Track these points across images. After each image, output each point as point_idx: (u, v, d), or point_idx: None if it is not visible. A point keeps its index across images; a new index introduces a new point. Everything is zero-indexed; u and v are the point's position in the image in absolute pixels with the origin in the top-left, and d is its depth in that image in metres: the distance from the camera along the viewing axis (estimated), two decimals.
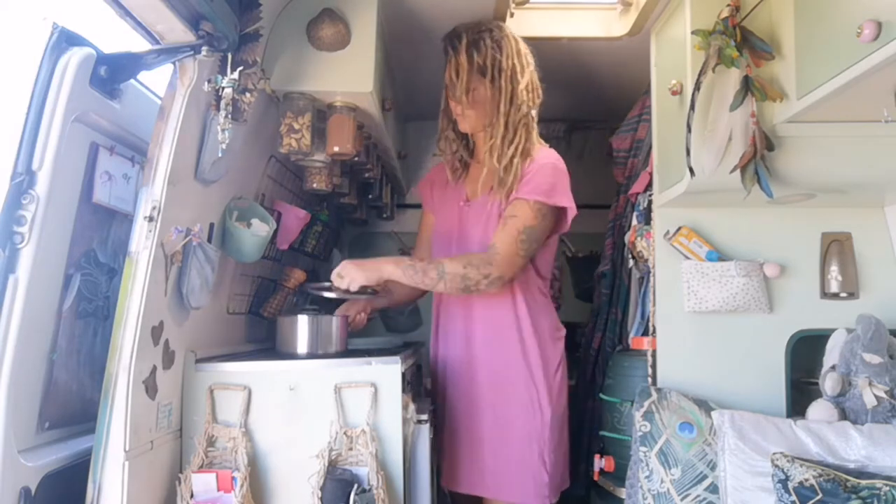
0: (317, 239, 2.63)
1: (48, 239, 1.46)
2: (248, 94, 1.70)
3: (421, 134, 3.38)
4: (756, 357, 2.08)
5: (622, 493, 2.10)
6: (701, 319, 2.09)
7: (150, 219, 1.54)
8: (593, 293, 2.88)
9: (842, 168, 1.81)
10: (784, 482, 1.65)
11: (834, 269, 2.10)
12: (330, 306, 2.10)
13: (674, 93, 1.91)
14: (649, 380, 2.12)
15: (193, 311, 1.79)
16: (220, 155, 1.65)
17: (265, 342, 2.40)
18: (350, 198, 2.67)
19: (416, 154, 3.46)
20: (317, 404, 1.76)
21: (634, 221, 2.29)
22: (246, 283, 2.26)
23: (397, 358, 1.81)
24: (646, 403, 1.97)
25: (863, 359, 1.82)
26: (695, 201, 2.04)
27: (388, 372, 1.80)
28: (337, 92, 2.03)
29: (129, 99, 1.67)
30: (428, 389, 2.28)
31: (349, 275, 1.92)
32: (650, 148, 2.24)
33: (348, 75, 2.00)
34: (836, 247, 2.12)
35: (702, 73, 1.73)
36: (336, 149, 2.07)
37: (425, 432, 1.90)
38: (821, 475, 1.63)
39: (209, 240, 1.82)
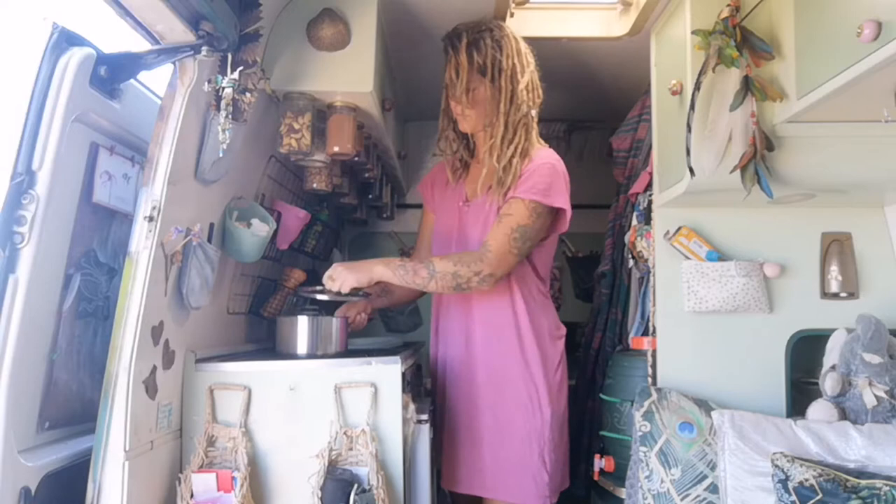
0: (317, 239, 2.63)
1: (48, 239, 1.46)
2: (248, 94, 1.70)
3: (421, 134, 3.39)
4: (756, 357, 2.08)
5: (622, 493, 2.10)
6: (701, 319, 2.09)
7: (150, 219, 1.54)
8: (593, 293, 2.88)
9: (842, 168, 1.81)
10: (784, 482, 1.65)
11: (834, 269, 2.11)
12: (330, 307, 2.10)
13: (674, 93, 1.91)
14: (649, 380, 2.12)
15: (193, 311, 1.79)
16: (220, 155, 1.65)
17: (265, 342, 2.40)
18: (350, 198, 2.67)
19: (416, 154, 3.46)
20: (317, 404, 1.76)
21: (634, 221, 2.29)
22: (246, 283, 2.26)
23: (397, 358, 1.81)
24: (646, 403, 1.97)
25: (863, 359, 1.82)
26: (695, 201, 2.04)
27: (388, 372, 1.80)
28: (337, 92, 2.03)
29: (129, 99, 1.67)
30: (428, 389, 2.28)
31: (340, 277, 1.93)
32: (650, 148, 2.24)
33: (348, 75, 2.00)
34: (836, 247, 2.12)
35: (702, 73, 1.73)
36: (336, 149, 2.07)
37: (425, 432, 1.90)
38: (821, 475, 1.63)
39: (209, 240, 1.81)
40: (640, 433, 1.95)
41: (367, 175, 2.64)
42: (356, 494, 1.64)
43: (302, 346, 1.91)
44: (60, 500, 1.49)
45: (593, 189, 3.05)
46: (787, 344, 2.08)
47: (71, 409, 1.60)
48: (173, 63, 1.57)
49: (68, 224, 1.55)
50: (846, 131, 1.69)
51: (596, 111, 3.18)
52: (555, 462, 2.04)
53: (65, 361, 1.57)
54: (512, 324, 2.06)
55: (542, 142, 2.13)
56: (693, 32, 1.78)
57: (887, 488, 1.59)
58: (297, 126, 1.97)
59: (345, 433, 1.74)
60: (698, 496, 1.85)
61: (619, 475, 2.15)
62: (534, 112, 2.08)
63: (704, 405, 1.95)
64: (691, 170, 1.78)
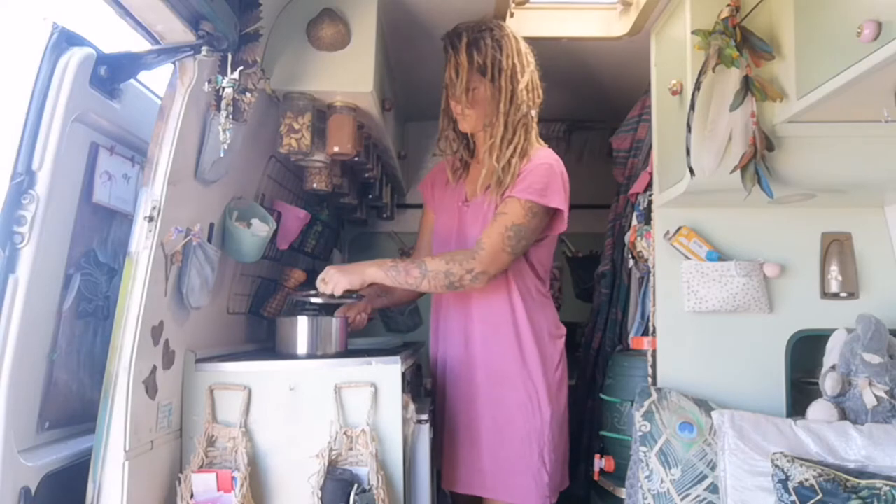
0: (317, 239, 2.63)
1: (48, 239, 1.46)
2: (248, 94, 1.70)
3: (421, 134, 3.39)
4: (756, 357, 2.08)
5: (622, 493, 2.10)
6: (701, 319, 2.09)
7: (150, 219, 1.54)
8: (593, 293, 2.88)
9: (842, 168, 1.81)
10: (784, 482, 1.65)
11: (834, 269, 2.10)
12: (329, 307, 2.11)
13: (674, 93, 1.91)
14: (649, 380, 2.12)
15: (193, 311, 1.79)
16: (221, 155, 1.65)
17: (265, 342, 2.40)
18: (350, 198, 2.67)
19: (416, 154, 3.46)
20: (317, 404, 1.76)
21: (634, 221, 2.29)
22: (246, 283, 2.26)
23: (397, 358, 1.81)
24: (646, 403, 1.97)
25: (863, 359, 1.82)
26: (695, 201, 2.04)
27: (388, 372, 1.80)
28: (337, 92, 2.03)
29: (129, 99, 1.67)
30: (428, 389, 2.28)
31: (332, 280, 1.94)
32: (650, 148, 2.24)
33: (348, 75, 2.00)
34: (836, 247, 2.12)
35: (702, 73, 1.73)
36: (336, 149, 2.07)
37: (425, 432, 1.90)
38: (821, 475, 1.63)
39: (209, 240, 1.82)
40: (640, 433, 1.95)
41: (367, 175, 2.64)
42: (356, 494, 1.64)
43: (302, 346, 1.91)
44: (60, 500, 1.49)
45: (593, 189, 3.05)
46: (787, 344, 2.08)
47: (71, 409, 1.60)
48: (173, 63, 1.57)
49: (68, 224, 1.55)
50: (846, 131, 1.69)
51: (596, 111, 3.18)
52: (555, 462, 2.04)
53: (65, 361, 1.57)
54: (510, 323, 2.06)
55: (541, 142, 2.13)
56: (693, 32, 1.78)
57: (887, 488, 1.59)
58: (297, 126, 1.97)
59: (345, 433, 1.74)
60: (698, 496, 1.85)
61: (619, 475, 2.15)
62: (534, 112, 2.08)
63: (704, 405, 1.95)
64: (691, 170, 1.78)
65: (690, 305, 2.06)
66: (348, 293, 1.97)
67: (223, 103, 1.61)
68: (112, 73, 1.56)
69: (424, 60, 2.46)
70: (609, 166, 2.84)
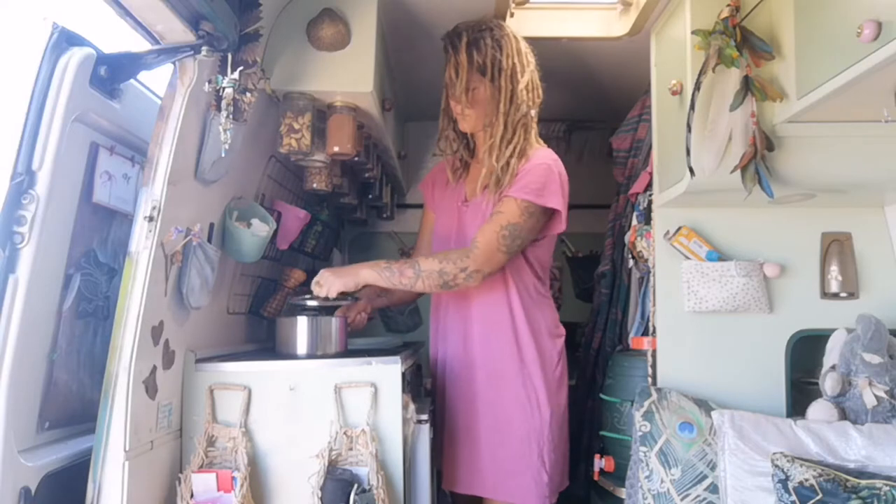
0: (317, 239, 2.63)
1: (48, 239, 1.46)
2: (248, 94, 1.70)
3: (421, 134, 3.39)
4: (756, 357, 2.08)
5: (622, 493, 2.10)
6: (701, 319, 2.09)
7: (150, 219, 1.54)
8: (593, 293, 2.88)
9: (842, 168, 1.81)
10: (784, 482, 1.65)
11: (834, 269, 2.10)
12: (329, 308, 2.10)
13: (674, 93, 1.91)
14: (649, 380, 2.12)
15: (193, 311, 1.79)
16: (222, 155, 1.65)
17: (265, 342, 2.40)
18: (350, 198, 2.67)
19: (416, 154, 3.46)
20: (317, 404, 1.76)
21: (634, 221, 2.29)
22: (246, 283, 2.26)
23: (397, 358, 1.81)
24: (646, 403, 1.97)
25: (863, 359, 1.82)
26: (695, 201, 2.04)
27: (388, 372, 1.80)
28: (337, 92, 2.03)
29: (129, 99, 1.67)
30: (428, 389, 2.28)
31: (326, 283, 1.94)
32: (650, 148, 2.24)
33: (348, 75, 2.00)
34: (836, 247, 2.12)
35: (702, 73, 1.73)
36: (336, 149, 2.07)
37: (425, 432, 1.90)
38: (821, 475, 1.63)
39: (209, 240, 1.82)
40: (640, 433, 1.95)
41: (367, 175, 2.64)
42: (356, 494, 1.64)
43: (302, 346, 1.91)
44: (60, 500, 1.49)
45: (593, 189, 3.05)
46: (787, 344, 2.08)
47: (71, 409, 1.60)
48: (173, 63, 1.57)
49: (68, 224, 1.55)
50: (846, 131, 1.69)
51: (596, 111, 3.18)
52: (554, 462, 2.04)
53: (65, 361, 1.57)
54: (508, 322, 2.06)
55: (540, 142, 2.13)
56: (693, 32, 1.78)
57: (887, 488, 1.59)
58: (297, 126, 1.97)
59: (345, 433, 1.74)
60: (698, 496, 1.85)
61: (619, 475, 2.15)
62: (533, 112, 2.08)
63: (704, 405, 1.95)
64: (691, 170, 1.78)
65: (690, 305, 2.06)
66: (343, 295, 1.97)
67: (223, 103, 1.61)
68: (112, 73, 1.56)
69: (424, 60, 2.46)
70: (609, 166, 2.84)
